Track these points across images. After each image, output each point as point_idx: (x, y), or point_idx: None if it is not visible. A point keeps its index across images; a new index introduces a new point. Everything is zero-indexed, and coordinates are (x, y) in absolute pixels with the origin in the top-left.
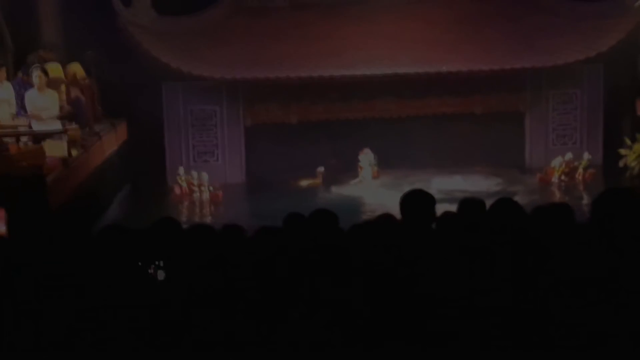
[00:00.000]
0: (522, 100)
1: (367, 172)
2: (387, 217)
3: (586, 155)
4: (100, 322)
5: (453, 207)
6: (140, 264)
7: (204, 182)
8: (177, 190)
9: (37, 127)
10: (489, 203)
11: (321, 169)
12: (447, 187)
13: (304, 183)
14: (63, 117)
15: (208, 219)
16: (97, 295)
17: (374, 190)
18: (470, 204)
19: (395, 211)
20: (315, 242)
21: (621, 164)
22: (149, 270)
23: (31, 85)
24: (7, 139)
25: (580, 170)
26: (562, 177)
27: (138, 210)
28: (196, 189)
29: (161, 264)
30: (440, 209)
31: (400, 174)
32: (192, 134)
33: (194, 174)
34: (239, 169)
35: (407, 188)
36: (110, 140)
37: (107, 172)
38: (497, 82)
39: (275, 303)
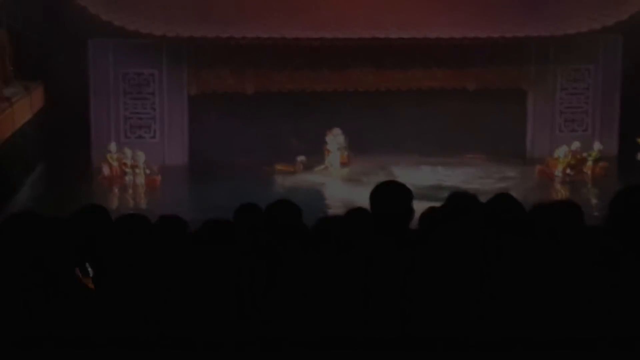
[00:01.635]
0: (525, 76)
1: (334, 157)
2: (359, 212)
3: (597, 145)
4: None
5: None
6: (66, 263)
7: (139, 163)
8: (105, 171)
9: None
10: (483, 199)
11: (302, 158)
12: (431, 180)
13: (279, 167)
14: None
15: (143, 208)
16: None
17: (340, 181)
18: (460, 200)
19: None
20: (275, 239)
21: (639, 156)
22: (77, 273)
23: None
24: None
25: (590, 163)
26: (568, 171)
27: (56, 194)
28: (129, 170)
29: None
30: (423, 207)
31: (375, 161)
32: (124, 104)
33: (128, 152)
34: (181, 148)
35: (381, 180)
36: (23, 108)
37: (19, 146)
38: (496, 52)
39: (223, 309)
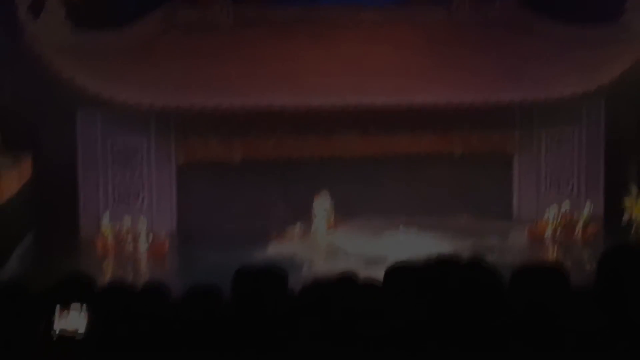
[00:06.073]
0: (510, 140)
1: (320, 221)
2: (349, 277)
3: (588, 207)
4: None
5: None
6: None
7: (142, 229)
8: (99, 244)
9: None
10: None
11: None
12: (416, 246)
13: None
14: None
15: (144, 278)
16: None
17: (324, 248)
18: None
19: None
20: (261, 305)
21: (625, 217)
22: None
23: None
24: None
25: (580, 225)
26: (558, 232)
27: (44, 266)
28: (129, 239)
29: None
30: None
31: (362, 224)
32: (112, 173)
33: (127, 220)
34: (169, 217)
35: (367, 245)
36: (11, 179)
37: (6, 218)
38: (480, 117)
39: None
